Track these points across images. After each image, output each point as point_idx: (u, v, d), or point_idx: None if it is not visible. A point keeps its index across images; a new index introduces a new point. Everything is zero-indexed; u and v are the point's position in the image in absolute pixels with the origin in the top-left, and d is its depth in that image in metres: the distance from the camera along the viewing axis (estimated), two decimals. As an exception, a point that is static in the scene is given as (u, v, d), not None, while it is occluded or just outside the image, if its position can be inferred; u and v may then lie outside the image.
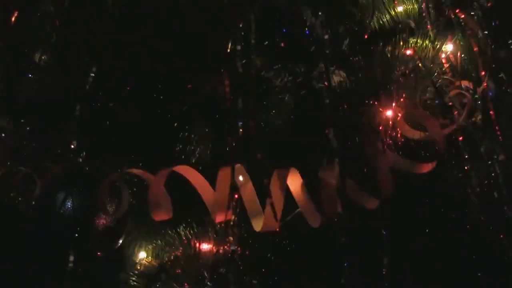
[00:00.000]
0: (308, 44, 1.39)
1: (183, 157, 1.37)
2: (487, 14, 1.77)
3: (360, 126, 1.34)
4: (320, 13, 1.38)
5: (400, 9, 1.56)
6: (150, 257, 1.45)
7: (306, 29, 1.40)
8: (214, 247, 1.29)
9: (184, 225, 1.32)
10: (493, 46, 1.79)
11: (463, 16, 1.66)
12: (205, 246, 1.30)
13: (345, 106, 1.37)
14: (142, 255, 1.47)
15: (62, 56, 1.45)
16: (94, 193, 1.30)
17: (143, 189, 1.30)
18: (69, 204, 1.36)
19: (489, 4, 1.81)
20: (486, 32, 1.79)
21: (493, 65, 1.81)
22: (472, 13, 1.74)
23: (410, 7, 1.63)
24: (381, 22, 1.59)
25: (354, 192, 1.28)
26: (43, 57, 1.50)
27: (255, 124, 1.35)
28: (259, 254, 1.31)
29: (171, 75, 1.35)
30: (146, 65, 1.36)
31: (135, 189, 1.36)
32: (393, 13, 1.60)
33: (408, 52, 1.56)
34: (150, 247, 1.46)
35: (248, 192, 1.28)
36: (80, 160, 1.36)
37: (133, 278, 1.34)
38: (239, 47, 1.30)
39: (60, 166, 1.32)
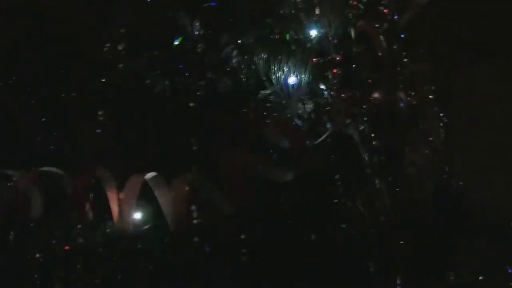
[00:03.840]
0: (189, 51, 1.41)
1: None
2: (395, 27, 1.80)
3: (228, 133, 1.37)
4: (198, 23, 1.41)
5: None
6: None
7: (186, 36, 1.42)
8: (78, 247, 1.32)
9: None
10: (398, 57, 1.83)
11: (367, 27, 1.69)
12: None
13: (219, 113, 1.40)
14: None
15: None
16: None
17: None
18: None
19: (396, 17, 1.85)
20: (397, 44, 1.82)
21: (400, 77, 1.85)
22: (377, 25, 1.77)
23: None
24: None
25: (213, 196, 1.31)
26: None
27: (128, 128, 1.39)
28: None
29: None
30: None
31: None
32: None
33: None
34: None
35: (114, 194, 1.32)
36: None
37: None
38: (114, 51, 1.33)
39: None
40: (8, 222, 1.40)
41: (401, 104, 1.88)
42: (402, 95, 1.87)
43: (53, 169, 1.33)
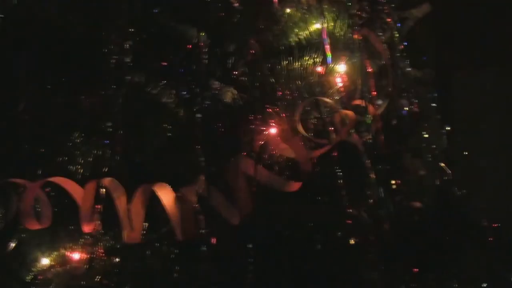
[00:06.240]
0: (195, 62, 1.43)
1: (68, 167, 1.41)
2: (398, 35, 1.82)
3: (233, 143, 1.39)
4: (204, 33, 1.42)
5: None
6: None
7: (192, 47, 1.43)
8: (85, 256, 1.34)
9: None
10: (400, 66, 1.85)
11: (369, 36, 1.71)
12: (77, 256, 1.35)
13: (224, 123, 1.41)
14: (45, 261, 1.51)
15: None
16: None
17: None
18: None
19: (398, 25, 1.86)
20: (398, 52, 1.84)
21: (403, 85, 1.86)
22: (380, 34, 1.79)
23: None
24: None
25: (220, 206, 1.32)
26: None
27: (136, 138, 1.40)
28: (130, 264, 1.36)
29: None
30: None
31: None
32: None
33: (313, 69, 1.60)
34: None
35: (122, 204, 1.34)
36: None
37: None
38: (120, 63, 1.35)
39: None
40: (16, 231, 1.41)
41: (403, 112, 1.90)
42: (404, 102, 1.89)
43: (61, 178, 1.34)
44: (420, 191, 1.72)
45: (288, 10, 1.60)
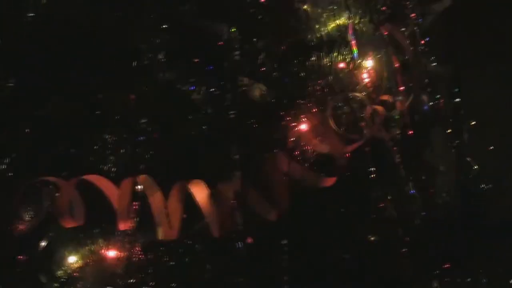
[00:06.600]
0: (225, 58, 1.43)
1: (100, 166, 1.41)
2: (420, 30, 1.82)
3: (267, 139, 1.39)
4: (234, 29, 1.42)
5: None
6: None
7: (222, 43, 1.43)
8: (121, 254, 1.34)
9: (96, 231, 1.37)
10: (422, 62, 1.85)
11: (394, 31, 1.71)
12: (112, 253, 1.35)
13: (256, 119, 1.41)
14: (77, 259, 1.51)
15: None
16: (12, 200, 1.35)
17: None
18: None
19: (420, 20, 1.86)
20: (420, 47, 1.84)
21: (425, 80, 1.86)
22: (403, 29, 1.79)
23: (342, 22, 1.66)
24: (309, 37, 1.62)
25: (256, 203, 1.32)
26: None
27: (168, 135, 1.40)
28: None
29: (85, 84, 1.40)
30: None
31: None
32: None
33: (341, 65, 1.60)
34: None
35: (157, 201, 1.33)
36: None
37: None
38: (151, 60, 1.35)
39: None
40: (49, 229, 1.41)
41: (425, 107, 1.90)
42: (425, 98, 1.89)
43: (95, 176, 1.34)
44: (446, 186, 1.72)
45: (314, 7, 1.59)
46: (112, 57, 1.42)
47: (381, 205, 1.45)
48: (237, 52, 1.43)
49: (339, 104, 1.48)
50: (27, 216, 1.39)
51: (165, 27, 1.40)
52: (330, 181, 1.36)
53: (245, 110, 1.42)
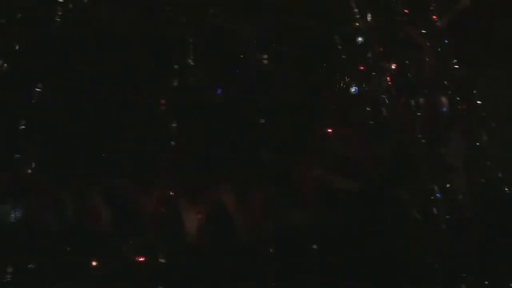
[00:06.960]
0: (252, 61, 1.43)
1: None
2: (442, 32, 1.82)
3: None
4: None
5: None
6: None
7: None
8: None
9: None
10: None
11: (415, 33, 1.70)
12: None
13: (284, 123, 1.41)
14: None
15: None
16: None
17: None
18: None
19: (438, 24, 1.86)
20: (441, 49, 1.84)
21: (446, 82, 1.86)
22: (423, 31, 1.79)
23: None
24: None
25: (285, 207, 1.32)
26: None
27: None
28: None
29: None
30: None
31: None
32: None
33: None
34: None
35: (185, 207, 1.33)
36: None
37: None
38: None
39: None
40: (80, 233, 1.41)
41: (444, 109, 1.90)
42: (445, 100, 1.89)
43: (126, 182, 1.33)
44: (468, 188, 1.72)
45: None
46: (144, 61, 1.41)
47: (406, 208, 1.44)
48: (264, 56, 1.42)
49: (367, 109, 1.48)
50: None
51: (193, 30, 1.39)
52: (359, 185, 1.36)
53: (276, 114, 1.41)
